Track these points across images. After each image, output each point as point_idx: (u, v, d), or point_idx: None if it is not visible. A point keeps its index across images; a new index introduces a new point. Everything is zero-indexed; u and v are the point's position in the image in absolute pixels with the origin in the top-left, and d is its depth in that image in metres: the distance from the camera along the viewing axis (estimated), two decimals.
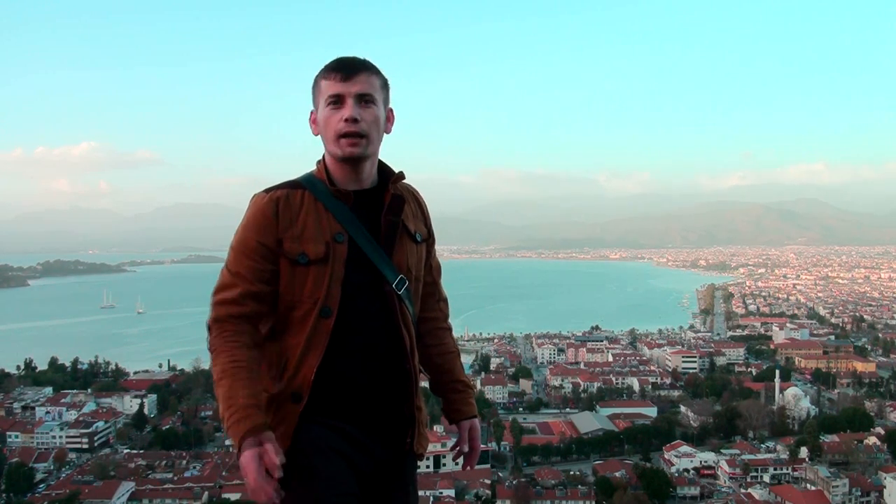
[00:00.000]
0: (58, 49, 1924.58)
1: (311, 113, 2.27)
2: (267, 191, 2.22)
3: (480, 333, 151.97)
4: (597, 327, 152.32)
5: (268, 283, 2.15)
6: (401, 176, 2.32)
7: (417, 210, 2.39)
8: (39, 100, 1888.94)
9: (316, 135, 2.27)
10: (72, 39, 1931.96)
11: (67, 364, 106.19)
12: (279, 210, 2.16)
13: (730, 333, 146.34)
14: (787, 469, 65.10)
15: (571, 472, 64.36)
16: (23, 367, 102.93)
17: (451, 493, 55.55)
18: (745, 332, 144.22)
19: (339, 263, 2.16)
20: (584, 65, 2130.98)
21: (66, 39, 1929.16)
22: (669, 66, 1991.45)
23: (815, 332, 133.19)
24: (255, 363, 2.10)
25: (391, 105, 2.28)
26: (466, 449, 2.49)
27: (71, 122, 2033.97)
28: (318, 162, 2.29)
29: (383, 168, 2.32)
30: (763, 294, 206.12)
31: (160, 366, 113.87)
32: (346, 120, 2.15)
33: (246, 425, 1.94)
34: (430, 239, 2.44)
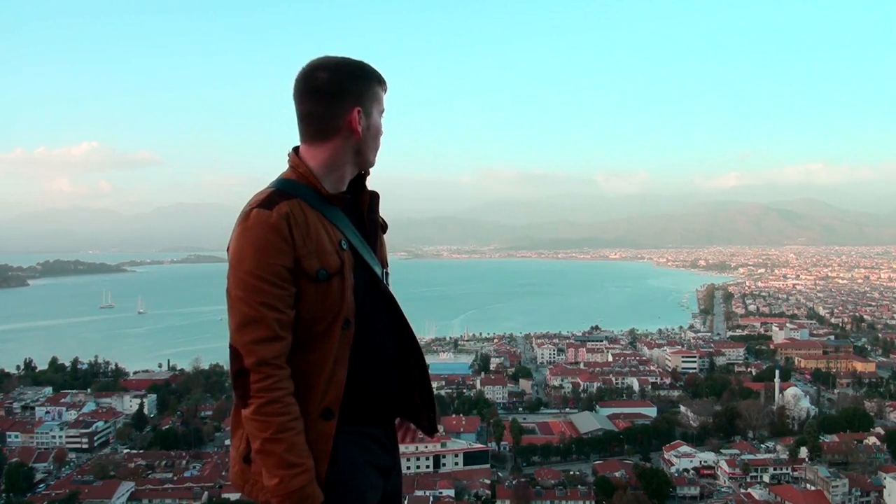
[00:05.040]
0: (58, 49, 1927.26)
1: (359, 111, 2.16)
2: (266, 205, 2.04)
3: (480, 333, 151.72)
4: (597, 327, 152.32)
5: (293, 307, 2.04)
6: (367, 173, 2.33)
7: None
8: (39, 100, 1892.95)
9: (358, 138, 2.19)
10: (72, 39, 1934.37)
11: (67, 364, 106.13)
12: (291, 226, 2.02)
13: (730, 333, 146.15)
14: (787, 469, 65.17)
15: (571, 472, 64.39)
16: (23, 367, 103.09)
17: (451, 493, 55.60)
18: (745, 332, 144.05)
19: (349, 272, 2.12)
20: (583, 65, 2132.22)
21: (66, 39, 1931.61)
22: (667, 66, 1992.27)
23: (814, 332, 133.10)
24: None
25: None
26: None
27: (71, 122, 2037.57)
28: (294, 166, 2.19)
29: None
30: (763, 294, 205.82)
31: (160, 366, 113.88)
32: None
33: (319, 498, 2.01)
34: (386, 229, 2.51)
